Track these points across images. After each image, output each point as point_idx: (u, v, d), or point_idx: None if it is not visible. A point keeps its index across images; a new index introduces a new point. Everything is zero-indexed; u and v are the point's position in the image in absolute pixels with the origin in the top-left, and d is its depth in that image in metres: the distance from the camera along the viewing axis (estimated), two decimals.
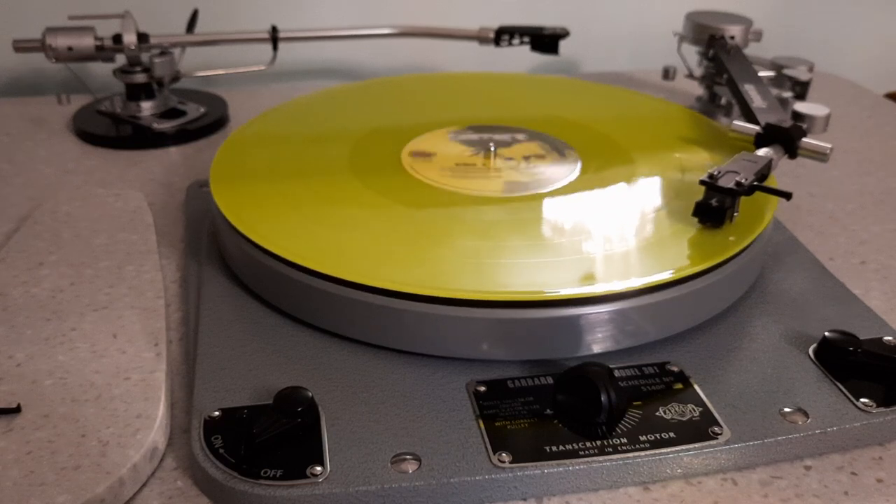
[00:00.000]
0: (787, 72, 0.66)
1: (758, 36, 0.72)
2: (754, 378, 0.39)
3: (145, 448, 0.34)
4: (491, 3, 0.85)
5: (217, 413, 0.35)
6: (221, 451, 0.33)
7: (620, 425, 0.35)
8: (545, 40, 0.74)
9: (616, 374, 0.38)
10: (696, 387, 0.38)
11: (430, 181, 0.49)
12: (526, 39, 0.74)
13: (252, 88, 0.80)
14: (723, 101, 0.71)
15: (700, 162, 0.52)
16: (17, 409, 0.35)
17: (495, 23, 0.76)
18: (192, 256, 0.48)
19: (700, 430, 0.35)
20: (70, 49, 0.65)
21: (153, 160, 0.63)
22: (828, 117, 0.55)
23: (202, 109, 0.70)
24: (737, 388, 0.38)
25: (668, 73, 0.79)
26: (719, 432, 0.35)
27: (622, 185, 0.49)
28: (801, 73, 0.66)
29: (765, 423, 0.36)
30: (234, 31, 0.71)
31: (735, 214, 0.44)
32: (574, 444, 0.34)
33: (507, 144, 0.54)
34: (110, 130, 0.67)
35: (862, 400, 0.37)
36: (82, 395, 0.36)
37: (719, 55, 0.66)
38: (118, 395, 0.36)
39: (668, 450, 0.34)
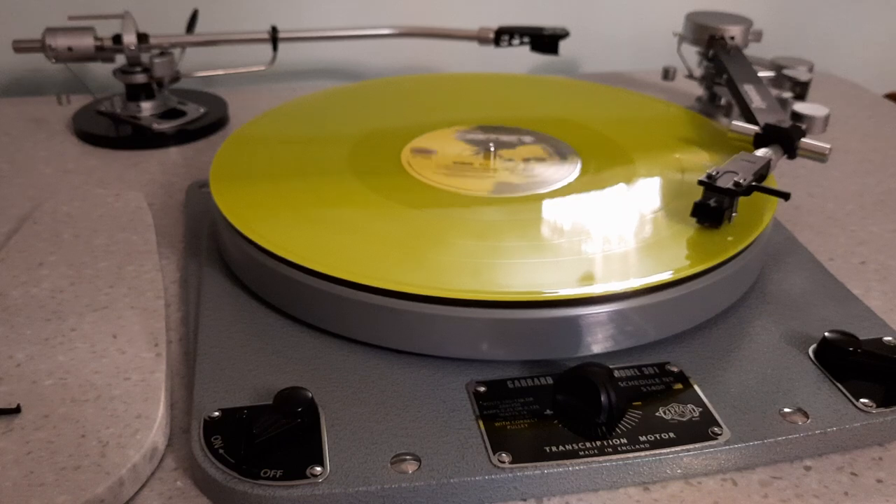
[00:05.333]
0: (786, 72, 0.66)
1: (758, 36, 0.72)
2: (754, 378, 0.39)
3: (145, 448, 0.34)
4: (491, 3, 0.85)
5: (217, 413, 0.35)
6: (221, 451, 0.33)
7: (620, 426, 0.35)
8: (545, 40, 0.74)
9: (616, 374, 0.38)
10: (695, 387, 0.38)
11: (430, 181, 0.49)
12: (526, 40, 0.74)
13: (252, 88, 0.80)
14: (723, 101, 0.71)
15: (699, 162, 0.52)
16: (17, 410, 0.35)
17: (495, 23, 0.76)
18: (192, 256, 0.48)
19: (700, 430, 0.35)
20: (70, 49, 0.65)
21: (153, 160, 0.63)
22: (827, 118, 0.55)
23: (202, 110, 0.70)
24: (737, 389, 0.38)
25: (668, 74, 0.79)
26: (719, 432, 0.35)
27: (622, 185, 0.49)
28: (800, 74, 0.66)
29: (765, 423, 0.36)
30: (234, 32, 0.71)
31: (733, 215, 0.44)
32: (574, 445, 0.34)
33: (506, 145, 0.54)
34: (110, 131, 0.67)
35: (862, 400, 0.37)
36: (82, 396, 0.36)
37: (719, 55, 0.66)
38: (118, 396, 0.36)
39: (668, 450, 0.34)
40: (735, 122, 0.53)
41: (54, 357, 0.39)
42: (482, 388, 0.38)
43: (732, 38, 0.69)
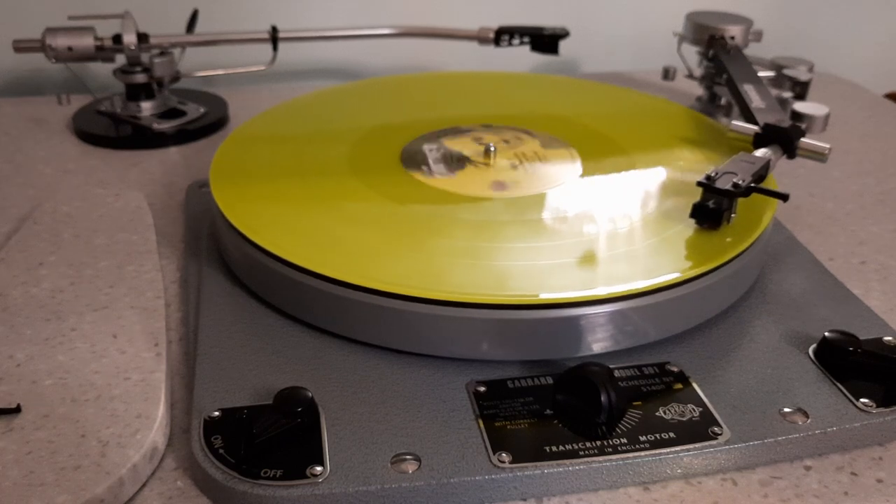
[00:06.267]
0: (786, 72, 0.66)
1: (758, 36, 0.72)
2: (754, 378, 0.39)
3: (145, 448, 0.34)
4: (491, 3, 0.85)
5: (217, 413, 0.35)
6: (221, 451, 0.33)
7: (620, 425, 0.35)
8: (545, 40, 0.74)
9: (616, 374, 0.38)
10: (695, 387, 0.38)
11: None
12: (526, 39, 0.74)
13: (252, 88, 0.80)
14: (723, 101, 0.71)
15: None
16: (17, 409, 0.35)
17: (495, 23, 0.76)
18: (192, 256, 0.48)
19: (700, 430, 0.35)
20: (70, 49, 0.65)
21: (153, 160, 0.63)
22: (827, 117, 0.55)
23: (202, 109, 0.70)
24: (737, 388, 0.38)
25: (668, 73, 0.79)
26: (719, 432, 0.35)
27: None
28: (800, 73, 0.66)
29: (765, 423, 0.36)
30: (234, 31, 0.71)
31: (732, 216, 0.44)
32: (574, 445, 0.34)
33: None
34: (110, 130, 0.67)
35: (862, 400, 0.37)
36: (82, 396, 0.36)
37: (719, 55, 0.66)
38: (118, 396, 0.36)
39: (668, 450, 0.34)
40: (735, 122, 0.53)
41: (54, 357, 0.39)
42: (482, 388, 0.38)
43: (732, 37, 0.69)
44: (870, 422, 0.36)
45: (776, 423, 0.36)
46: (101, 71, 0.76)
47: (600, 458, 0.34)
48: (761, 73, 0.64)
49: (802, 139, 0.50)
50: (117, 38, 0.65)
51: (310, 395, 0.35)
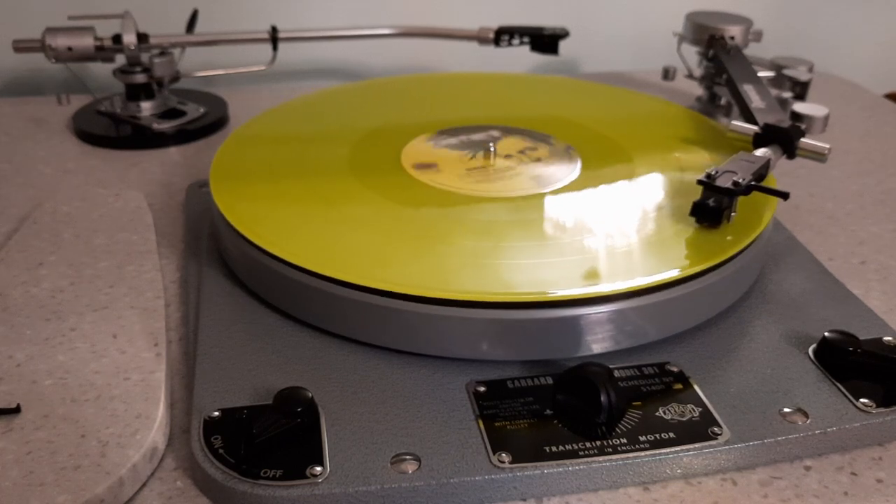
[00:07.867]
0: (786, 72, 0.66)
1: (758, 36, 0.72)
2: (754, 378, 0.39)
3: (145, 448, 0.34)
4: (491, 3, 0.85)
5: (217, 413, 0.35)
6: (221, 451, 0.33)
7: (620, 425, 0.35)
8: (545, 40, 0.74)
9: (616, 374, 0.38)
10: (695, 387, 0.38)
11: (429, 181, 0.49)
12: (526, 39, 0.74)
13: (252, 88, 0.80)
14: (723, 101, 0.71)
15: (699, 162, 0.52)
16: (17, 410, 0.35)
17: (495, 23, 0.76)
18: (192, 256, 0.48)
19: (700, 430, 0.35)
20: (70, 49, 0.65)
21: (153, 160, 0.63)
22: (826, 118, 0.55)
23: (202, 109, 0.70)
24: (737, 388, 0.38)
25: (667, 74, 0.79)
26: (719, 432, 0.35)
27: (622, 184, 0.49)
28: (800, 74, 0.66)
29: (765, 423, 0.36)
30: (234, 31, 0.71)
31: (732, 214, 0.44)
32: (574, 445, 0.34)
33: (507, 144, 0.54)
34: (110, 130, 0.67)
35: (862, 400, 0.37)
36: (82, 396, 0.36)
37: (719, 55, 0.66)
38: (118, 396, 0.36)
39: (668, 450, 0.34)
40: (734, 122, 0.53)
41: (54, 357, 0.39)
42: (482, 388, 0.38)
43: (732, 38, 0.69)
44: (870, 422, 0.36)
45: (776, 423, 0.36)
46: (101, 71, 0.76)
47: (600, 458, 0.34)
48: (761, 73, 0.64)
49: (802, 139, 0.50)
50: (117, 38, 0.66)
51: (310, 395, 0.35)
